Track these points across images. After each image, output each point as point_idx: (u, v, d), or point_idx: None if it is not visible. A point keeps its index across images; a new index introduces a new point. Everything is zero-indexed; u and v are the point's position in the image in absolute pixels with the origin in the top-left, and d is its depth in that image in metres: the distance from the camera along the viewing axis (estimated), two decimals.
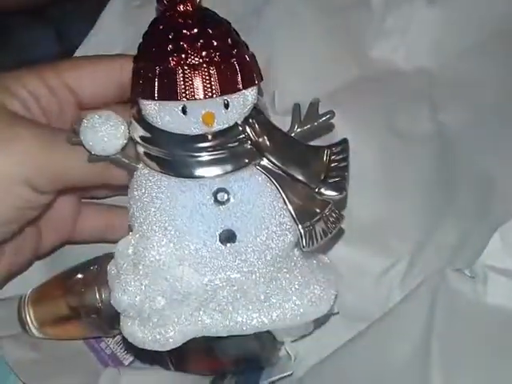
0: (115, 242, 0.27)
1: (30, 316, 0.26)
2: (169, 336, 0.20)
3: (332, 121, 0.23)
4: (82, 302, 0.25)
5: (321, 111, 0.22)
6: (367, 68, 0.29)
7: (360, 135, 0.28)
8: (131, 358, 0.27)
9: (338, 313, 0.25)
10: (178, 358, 0.24)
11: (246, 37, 0.28)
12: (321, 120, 0.22)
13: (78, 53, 0.30)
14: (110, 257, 0.26)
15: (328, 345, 0.25)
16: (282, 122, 0.28)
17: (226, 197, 0.20)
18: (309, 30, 0.29)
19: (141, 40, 0.21)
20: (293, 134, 0.22)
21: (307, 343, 0.25)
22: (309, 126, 0.22)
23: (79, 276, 0.26)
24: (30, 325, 0.26)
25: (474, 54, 0.28)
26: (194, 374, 0.25)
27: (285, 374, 0.24)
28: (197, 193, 0.20)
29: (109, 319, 0.25)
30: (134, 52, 0.29)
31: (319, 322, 0.23)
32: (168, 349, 0.20)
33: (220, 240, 0.20)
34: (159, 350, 0.20)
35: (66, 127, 0.23)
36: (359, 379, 0.23)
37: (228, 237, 0.20)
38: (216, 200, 0.20)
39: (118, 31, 0.30)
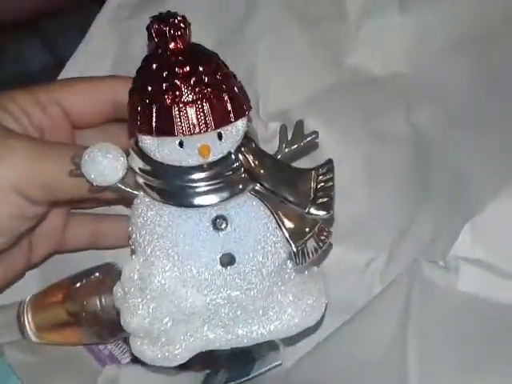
0: (104, 249, 0.29)
1: (28, 321, 0.27)
2: (176, 353, 0.22)
3: (314, 125, 0.24)
4: (81, 310, 0.26)
5: (302, 116, 0.23)
6: (345, 74, 0.30)
7: (340, 138, 0.29)
8: (129, 358, 0.28)
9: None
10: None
11: (232, 47, 0.30)
12: (306, 140, 0.24)
13: (69, 64, 0.30)
14: (110, 266, 0.28)
15: (315, 336, 0.27)
16: (265, 128, 0.30)
17: (224, 223, 0.21)
18: (289, 39, 0.30)
19: (134, 74, 0.22)
20: (280, 155, 0.23)
21: (295, 335, 0.27)
22: (296, 146, 0.24)
23: (80, 284, 0.27)
24: (29, 330, 0.27)
25: (446, 59, 0.30)
26: (189, 371, 0.26)
27: (274, 364, 0.26)
28: (196, 221, 0.21)
29: (108, 327, 0.26)
30: (125, 62, 0.30)
31: (311, 329, 0.25)
32: (176, 364, 0.22)
33: (221, 263, 0.21)
34: (168, 365, 0.22)
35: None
36: (343, 368, 0.25)
37: (228, 260, 0.22)
38: (215, 227, 0.21)
39: (107, 42, 0.30)
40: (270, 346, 0.27)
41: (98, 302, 0.26)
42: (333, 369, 0.25)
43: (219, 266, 0.21)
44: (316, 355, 0.26)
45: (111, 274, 0.27)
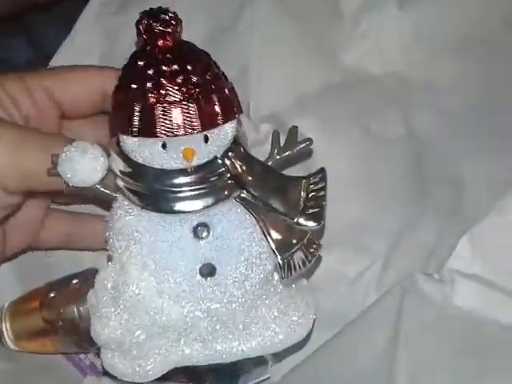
0: (80, 249, 0.28)
1: (6, 329, 0.26)
2: (149, 368, 0.20)
3: (307, 126, 0.23)
4: (58, 318, 0.25)
5: (295, 117, 0.22)
6: (340, 74, 0.29)
7: (335, 140, 0.28)
8: None
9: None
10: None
11: (223, 46, 0.29)
12: (299, 147, 0.22)
13: (55, 60, 0.30)
14: (90, 272, 0.26)
15: (304, 349, 0.25)
16: (257, 131, 0.29)
17: (205, 231, 0.20)
18: (283, 37, 0.29)
19: (121, 69, 0.21)
20: (271, 162, 0.22)
21: (281, 352, 0.25)
22: (288, 152, 0.22)
23: (57, 291, 0.26)
24: (7, 338, 0.26)
25: (444, 58, 0.29)
26: (173, 383, 0.25)
27: (262, 379, 0.24)
28: (177, 228, 0.20)
29: (87, 336, 0.25)
30: (111, 59, 0.29)
31: (298, 346, 0.24)
32: (148, 380, 0.21)
33: (200, 274, 0.20)
34: (140, 381, 0.21)
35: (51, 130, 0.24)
36: (332, 381, 0.24)
37: (208, 271, 0.20)
38: (196, 235, 0.20)
39: (93, 38, 0.30)
40: (258, 360, 0.26)
41: (76, 311, 0.25)
42: (322, 382, 0.24)
43: (199, 277, 0.20)
44: (305, 368, 0.25)
45: (91, 281, 0.26)
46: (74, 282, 0.26)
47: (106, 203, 0.22)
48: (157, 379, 0.24)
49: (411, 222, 0.27)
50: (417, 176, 0.28)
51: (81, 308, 0.25)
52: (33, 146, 0.21)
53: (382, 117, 0.29)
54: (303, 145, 0.22)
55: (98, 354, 0.22)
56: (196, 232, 0.20)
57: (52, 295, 0.26)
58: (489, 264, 0.24)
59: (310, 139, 0.23)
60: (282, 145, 0.22)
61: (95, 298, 0.21)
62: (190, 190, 0.20)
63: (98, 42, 0.29)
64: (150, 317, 0.20)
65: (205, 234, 0.20)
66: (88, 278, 0.26)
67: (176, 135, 0.19)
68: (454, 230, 0.25)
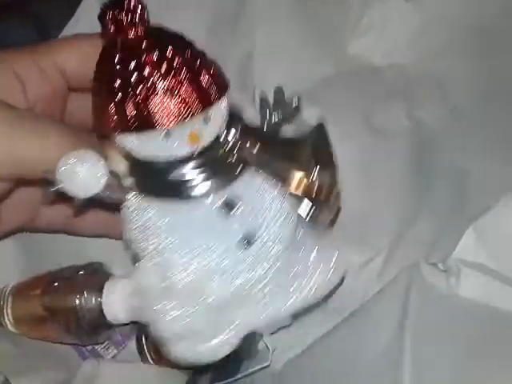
0: (81, 235, 0.27)
1: (7, 309, 0.25)
2: (216, 347, 0.21)
3: (310, 117, 0.23)
4: (61, 308, 0.24)
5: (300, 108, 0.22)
6: (344, 64, 0.29)
7: (338, 131, 0.27)
8: (112, 354, 0.27)
9: None
10: (157, 353, 0.25)
11: (227, 36, 0.28)
12: (292, 108, 0.22)
13: None
14: (97, 266, 0.26)
15: (307, 337, 0.26)
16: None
17: (231, 207, 0.20)
18: (288, 26, 0.29)
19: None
20: (266, 127, 0.22)
21: (287, 336, 0.26)
22: (279, 114, 0.22)
23: (63, 281, 0.25)
24: (6, 319, 0.25)
25: (449, 52, 0.29)
26: (173, 368, 0.25)
27: (262, 366, 0.25)
28: (203, 211, 0.20)
29: (86, 329, 0.24)
30: None
31: (300, 314, 0.24)
32: (221, 357, 0.21)
33: (240, 247, 0.21)
34: (213, 360, 0.21)
35: (57, 110, 0.23)
36: (336, 370, 0.24)
37: (246, 242, 0.21)
38: (223, 212, 0.20)
39: (95, 24, 0.28)
40: (258, 346, 0.25)
41: (78, 302, 0.24)
42: (324, 372, 0.24)
43: (239, 250, 0.21)
44: (307, 357, 0.25)
45: (98, 274, 0.25)
46: (81, 273, 0.25)
47: (115, 206, 0.21)
48: (159, 364, 0.24)
49: (414, 213, 0.27)
50: (420, 168, 0.27)
51: (83, 300, 0.24)
52: (25, 132, 0.20)
53: (385, 109, 0.29)
54: (294, 104, 0.22)
55: (94, 350, 0.22)
56: (223, 209, 0.20)
57: (56, 284, 0.25)
58: (495, 254, 0.23)
59: (296, 96, 0.22)
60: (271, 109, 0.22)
61: (142, 298, 0.21)
62: (204, 173, 0.20)
63: (100, 28, 0.28)
64: (205, 299, 0.20)
65: (232, 209, 0.20)
66: (95, 271, 0.25)
67: (175, 122, 0.19)
68: (458, 224, 0.24)
